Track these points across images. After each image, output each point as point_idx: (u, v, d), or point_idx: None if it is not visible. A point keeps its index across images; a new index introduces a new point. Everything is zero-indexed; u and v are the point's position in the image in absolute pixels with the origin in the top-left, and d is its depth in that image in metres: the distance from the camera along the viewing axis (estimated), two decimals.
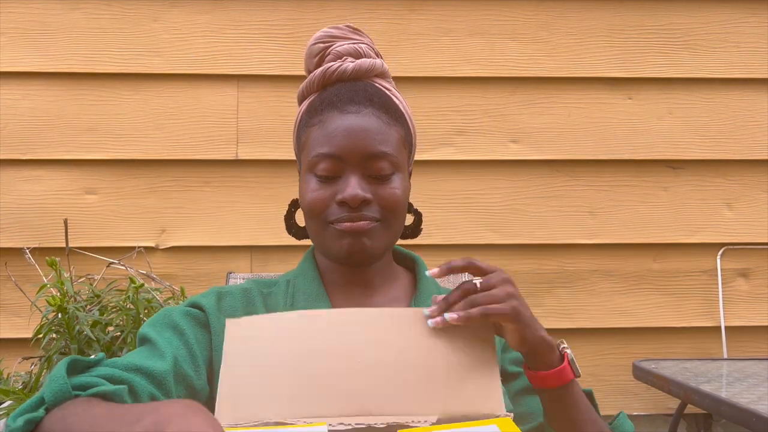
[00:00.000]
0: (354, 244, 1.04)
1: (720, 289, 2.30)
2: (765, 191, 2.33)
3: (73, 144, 2.18)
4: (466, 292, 0.92)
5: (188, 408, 0.73)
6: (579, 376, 0.99)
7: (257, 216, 2.21)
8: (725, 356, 2.26)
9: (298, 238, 1.20)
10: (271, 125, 2.22)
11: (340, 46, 1.12)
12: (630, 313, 2.30)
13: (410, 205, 1.18)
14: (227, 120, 2.22)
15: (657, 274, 2.31)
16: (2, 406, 1.53)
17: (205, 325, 1.04)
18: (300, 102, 1.17)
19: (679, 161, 2.32)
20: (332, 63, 1.11)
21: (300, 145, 1.12)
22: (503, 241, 2.27)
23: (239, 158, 2.21)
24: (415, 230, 1.23)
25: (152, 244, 2.18)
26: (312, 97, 1.13)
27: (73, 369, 0.89)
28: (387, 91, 1.13)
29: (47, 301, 1.61)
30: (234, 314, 1.05)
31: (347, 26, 1.15)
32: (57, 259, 1.72)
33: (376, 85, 1.12)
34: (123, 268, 1.94)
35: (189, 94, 2.21)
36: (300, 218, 1.18)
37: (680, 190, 2.32)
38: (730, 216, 2.33)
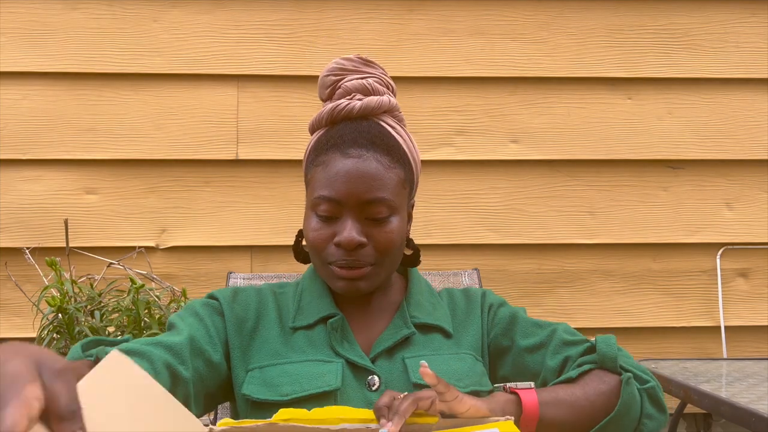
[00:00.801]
0: (349, 287, 1.11)
1: (720, 289, 2.30)
2: (765, 191, 2.33)
3: (73, 144, 2.18)
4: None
5: (14, 348, 0.66)
6: (534, 386, 1.03)
7: (257, 216, 2.21)
8: (725, 356, 2.26)
9: (305, 262, 1.26)
10: (271, 125, 2.22)
11: (350, 81, 1.17)
12: (630, 312, 2.30)
13: (410, 240, 1.25)
14: (227, 120, 2.22)
15: (657, 274, 2.32)
16: None
17: (220, 313, 1.15)
18: (311, 132, 1.22)
19: (679, 161, 2.32)
20: (341, 101, 1.16)
21: (306, 181, 1.18)
22: (503, 241, 2.27)
23: (239, 158, 2.22)
24: (414, 261, 1.28)
25: (152, 244, 2.18)
26: (320, 133, 1.18)
27: (92, 347, 0.97)
28: (392, 130, 1.17)
29: (47, 302, 1.61)
30: (248, 307, 1.17)
31: (359, 58, 1.19)
32: (57, 259, 1.72)
33: (382, 124, 1.16)
34: (123, 268, 1.94)
35: (189, 94, 2.21)
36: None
37: (680, 190, 2.32)
38: (730, 216, 2.33)
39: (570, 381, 1.07)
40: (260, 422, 0.81)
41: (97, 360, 0.91)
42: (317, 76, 2.39)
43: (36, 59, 2.17)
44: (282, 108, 2.23)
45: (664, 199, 2.32)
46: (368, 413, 0.85)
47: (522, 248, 2.29)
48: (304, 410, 0.84)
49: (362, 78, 1.18)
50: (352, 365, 1.10)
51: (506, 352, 1.20)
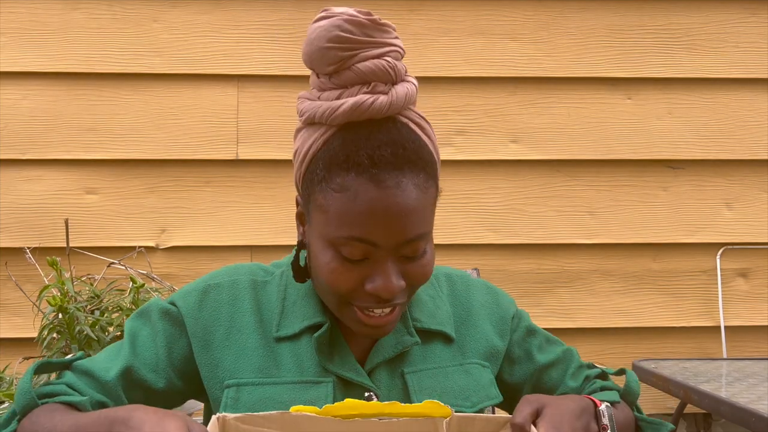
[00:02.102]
0: (376, 333, 0.95)
1: (719, 289, 2.30)
2: (765, 191, 2.33)
3: (73, 144, 2.18)
4: None
5: (158, 412, 0.81)
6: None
7: (257, 216, 2.21)
8: (725, 356, 2.26)
9: (304, 281, 1.04)
10: (271, 125, 2.22)
11: (366, 61, 0.91)
12: (630, 312, 2.30)
13: None
14: (227, 120, 2.22)
15: (657, 274, 2.31)
16: (2, 406, 1.53)
17: (180, 325, 1.00)
18: (307, 121, 0.95)
19: (679, 161, 2.32)
20: (363, 99, 0.90)
21: (312, 201, 0.93)
22: (503, 241, 2.27)
23: (239, 158, 2.22)
24: None
25: (152, 244, 2.18)
26: (328, 134, 0.93)
27: (45, 370, 0.97)
28: (420, 132, 0.96)
29: (48, 302, 1.61)
30: (218, 312, 1.01)
31: (369, 20, 0.92)
32: (57, 259, 1.72)
33: (410, 126, 0.95)
34: (123, 268, 1.94)
35: (189, 94, 2.21)
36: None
37: (680, 190, 2.32)
38: (730, 216, 2.33)
39: (614, 406, 1.02)
40: (273, 412, 0.82)
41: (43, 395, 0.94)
42: None
43: (36, 59, 2.17)
44: (282, 108, 2.23)
45: (664, 199, 2.32)
46: (385, 407, 0.84)
47: (522, 248, 2.29)
48: (315, 408, 0.84)
49: (380, 55, 0.91)
50: (345, 382, 0.97)
51: (518, 363, 1.10)
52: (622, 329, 2.30)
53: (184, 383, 1.01)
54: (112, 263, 1.98)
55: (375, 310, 0.92)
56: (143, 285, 1.69)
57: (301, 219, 1.00)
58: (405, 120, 0.94)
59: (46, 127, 2.17)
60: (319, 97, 0.93)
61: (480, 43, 2.29)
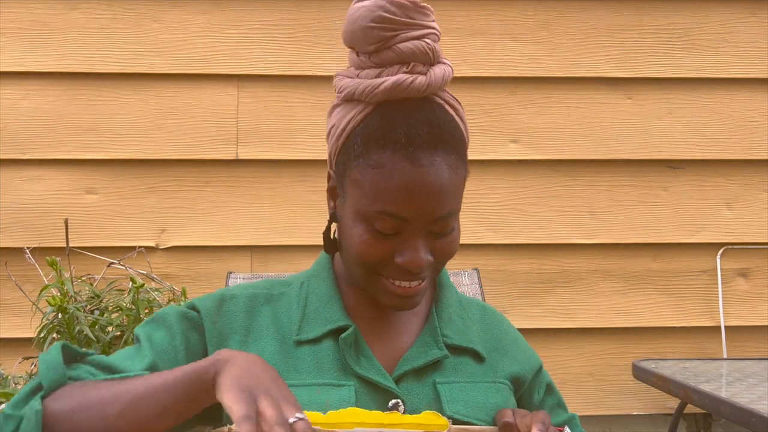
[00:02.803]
0: (403, 304, 0.97)
1: (720, 288, 2.30)
2: (765, 191, 2.33)
3: (73, 144, 2.18)
4: None
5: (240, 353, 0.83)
6: None
7: (257, 216, 2.21)
8: (725, 356, 2.26)
9: (333, 252, 1.08)
10: (271, 125, 2.22)
11: (407, 42, 0.93)
12: (630, 312, 2.30)
13: None
14: (227, 120, 2.22)
15: (657, 274, 2.31)
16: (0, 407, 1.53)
17: (199, 328, 1.00)
18: (344, 98, 0.98)
19: (679, 161, 2.32)
20: (403, 78, 0.92)
21: (348, 176, 0.96)
22: (503, 241, 2.27)
23: (239, 158, 2.22)
24: None
25: (152, 244, 2.18)
26: (366, 111, 0.95)
27: (69, 350, 0.92)
28: (453, 113, 0.99)
29: (47, 301, 1.62)
30: (234, 320, 1.01)
31: (410, 1, 0.93)
32: (57, 259, 1.72)
33: (445, 107, 0.98)
34: (123, 268, 1.94)
35: (189, 94, 2.21)
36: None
37: (680, 190, 2.32)
38: (730, 216, 2.33)
39: None
40: None
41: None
42: (317, 76, 2.39)
43: (36, 59, 2.17)
44: (282, 108, 2.23)
45: (664, 199, 2.32)
46: (384, 416, 0.84)
47: (522, 248, 2.29)
48: (319, 413, 0.84)
49: (420, 36, 0.94)
50: (369, 385, 0.95)
51: (525, 406, 1.10)
52: (622, 329, 2.30)
53: None
54: (112, 263, 1.98)
55: (403, 283, 0.95)
56: (143, 285, 1.70)
57: (333, 193, 1.02)
58: (440, 101, 0.97)
59: (46, 127, 2.17)
60: (357, 75, 0.96)
61: (480, 43, 2.29)
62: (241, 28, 2.23)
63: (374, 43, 0.93)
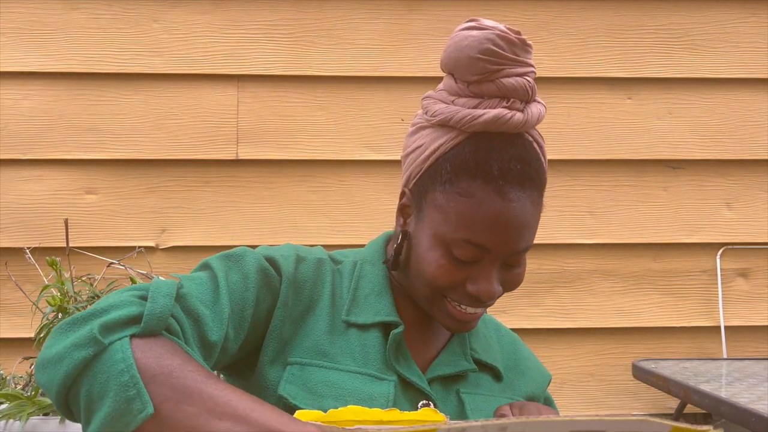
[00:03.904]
0: (461, 328, 0.99)
1: (719, 288, 2.30)
2: (765, 191, 2.33)
3: (73, 144, 2.18)
4: None
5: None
6: None
7: (257, 216, 2.21)
8: (725, 356, 2.26)
9: (395, 269, 1.05)
10: (271, 125, 2.22)
11: (510, 78, 0.95)
12: (630, 312, 2.30)
13: None
14: (227, 120, 2.22)
15: (657, 274, 2.31)
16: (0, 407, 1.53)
17: (274, 290, 0.97)
18: (439, 122, 0.98)
19: (679, 161, 2.32)
20: (503, 113, 0.93)
21: (430, 199, 0.97)
22: None
23: (239, 158, 2.22)
24: None
25: (152, 244, 2.18)
26: (460, 139, 0.96)
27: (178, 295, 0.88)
28: (539, 151, 0.99)
29: (47, 302, 1.62)
30: (304, 284, 0.99)
31: (519, 39, 0.96)
32: (57, 259, 1.72)
33: (534, 144, 0.98)
34: (123, 268, 1.94)
35: (189, 94, 2.21)
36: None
37: (680, 190, 2.32)
38: (730, 216, 2.33)
39: None
40: None
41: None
42: (317, 76, 2.39)
43: (36, 59, 2.17)
44: (282, 108, 2.23)
45: (664, 199, 2.32)
46: (384, 414, 0.85)
47: None
48: (320, 412, 0.85)
49: (522, 74, 0.95)
50: (406, 384, 0.98)
51: None
52: (622, 329, 2.30)
53: (240, 351, 0.96)
54: (112, 263, 1.98)
55: (468, 309, 0.97)
56: None
57: (404, 211, 1.03)
58: (530, 138, 0.98)
59: (46, 127, 2.17)
60: (453, 102, 0.98)
61: None
62: (241, 28, 2.23)
63: (478, 74, 0.95)
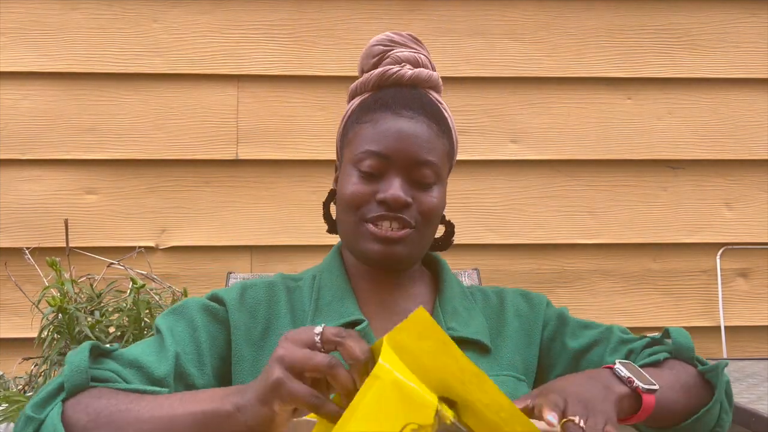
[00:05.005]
0: (386, 251, 1.05)
1: (719, 289, 2.30)
2: (765, 191, 2.33)
3: (73, 144, 2.18)
4: None
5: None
6: (657, 390, 0.92)
7: (257, 216, 2.21)
8: (725, 356, 2.26)
9: (330, 231, 1.20)
10: (271, 125, 2.22)
11: (401, 52, 1.14)
12: (630, 312, 2.30)
13: (443, 217, 1.19)
14: (227, 120, 2.22)
15: (657, 274, 2.31)
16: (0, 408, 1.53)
17: (222, 321, 1.04)
18: (350, 98, 1.18)
19: (679, 161, 2.32)
20: (391, 66, 1.13)
21: (346, 140, 1.12)
22: (503, 241, 2.27)
23: (239, 158, 2.21)
24: (445, 242, 1.23)
25: (152, 244, 2.18)
26: (365, 95, 1.14)
27: (97, 352, 0.93)
28: (439, 104, 1.15)
29: (48, 302, 1.61)
30: (257, 307, 1.06)
31: (409, 35, 1.16)
32: (57, 259, 1.72)
33: (430, 95, 1.14)
34: (123, 268, 1.94)
35: (189, 94, 2.21)
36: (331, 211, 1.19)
37: (680, 190, 2.32)
38: (730, 216, 2.33)
39: (656, 365, 1.01)
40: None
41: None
42: (317, 76, 2.39)
43: (36, 59, 2.17)
44: (282, 108, 2.23)
45: (664, 199, 2.32)
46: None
47: (522, 248, 2.29)
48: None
49: (414, 52, 1.15)
50: None
51: (557, 357, 1.12)
52: None
53: (216, 383, 1.01)
54: (112, 264, 1.98)
55: (384, 224, 1.04)
56: (144, 285, 1.69)
57: (336, 172, 1.17)
58: (430, 94, 1.14)
59: (46, 127, 2.17)
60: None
61: (480, 43, 2.29)
62: (241, 28, 2.23)
63: (376, 55, 1.14)
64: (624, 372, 0.91)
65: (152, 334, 1.04)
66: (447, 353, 0.72)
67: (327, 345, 0.73)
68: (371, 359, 0.72)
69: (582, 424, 0.79)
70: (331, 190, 1.18)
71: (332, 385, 0.72)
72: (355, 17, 2.25)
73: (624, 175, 2.31)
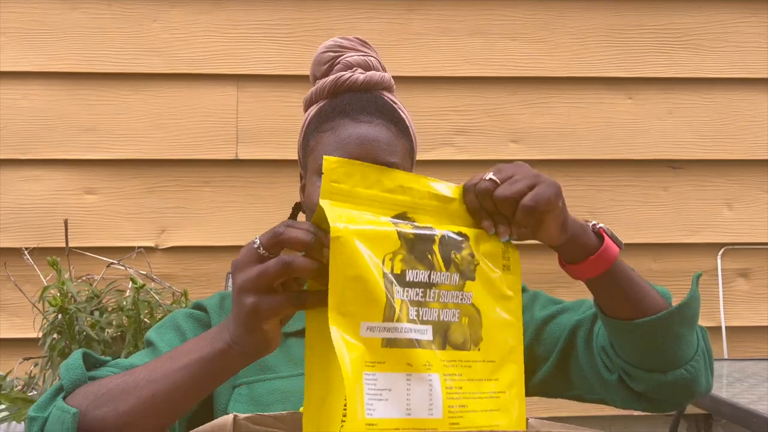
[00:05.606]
0: None
1: (720, 289, 2.30)
2: (765, 191, 2.33)
3: (73, 144, 2.17)
4: (484, 195, 0.90)
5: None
6: (623, 248, 0.97)
7: (257, 216, 2.21)
8: (725, 356, 2.26)
9: None
10: (271, 125, 2.22)
11: (350, 56, 1.15)
12: None
13: None
14: (227, 120, 2.22)
15: (657, 274, 2.31)
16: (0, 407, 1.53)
17: (206, 325, 1.08)
18: (306, 107, 1.18)
19: (680, 161, 2.32)
20: (343, 72, 1.14)
21: (308, 149, 1.13)
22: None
23: (239, 158, 2.21)
24: None
25: (152, 244, 2.18)
26: (321, 104, 1.14)
27: (84, 362, 0.94)
28: (394, 105, 1.16)
29: (48, 302, 1.61)
30: None
31: (357, 38, 1.18)
32: (57, 259, 1.72)
33: (385, 97, 1.15)
34: (123, 268, 1.94)
35: (189, 94, 2.21)
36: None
37: (680, 190, 2.32)
38: (730, 216, 2.33)
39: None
40: (284, 412, 0.83)
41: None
42: None
43: (36, 59, 2.17)
44: (282, 108, 2.23)
45: (665, 199, 2.32)
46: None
47: (522, 248, 2.28)
48: None
49: (363, 55, 1.16)
50: None
51: (527, 326, 1.14)
52: None
53: None
54: (112, 263, 1.98)
55: None
56: (143, 285, 1.69)
57: (301, 182, 1.15)
58: (384, 96, 1.15)
59: (46, 127, 2.17)
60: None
61: (480, 43, 2.28)
62: (241, 28, 2.23)
63: (326, 62, 1.17)
64: (598, 226, 0.99)
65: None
66: (374, 174, 0.80)
67: (272, 249, 0.74)
68: (321, 230, 0.74)
69: (494, 177, 0.91)
70: (296, 203, 1.20)
71: (300, 276, 0.74)
72: (355, 17, 2.25)
73: (624, 175, 2.31)
